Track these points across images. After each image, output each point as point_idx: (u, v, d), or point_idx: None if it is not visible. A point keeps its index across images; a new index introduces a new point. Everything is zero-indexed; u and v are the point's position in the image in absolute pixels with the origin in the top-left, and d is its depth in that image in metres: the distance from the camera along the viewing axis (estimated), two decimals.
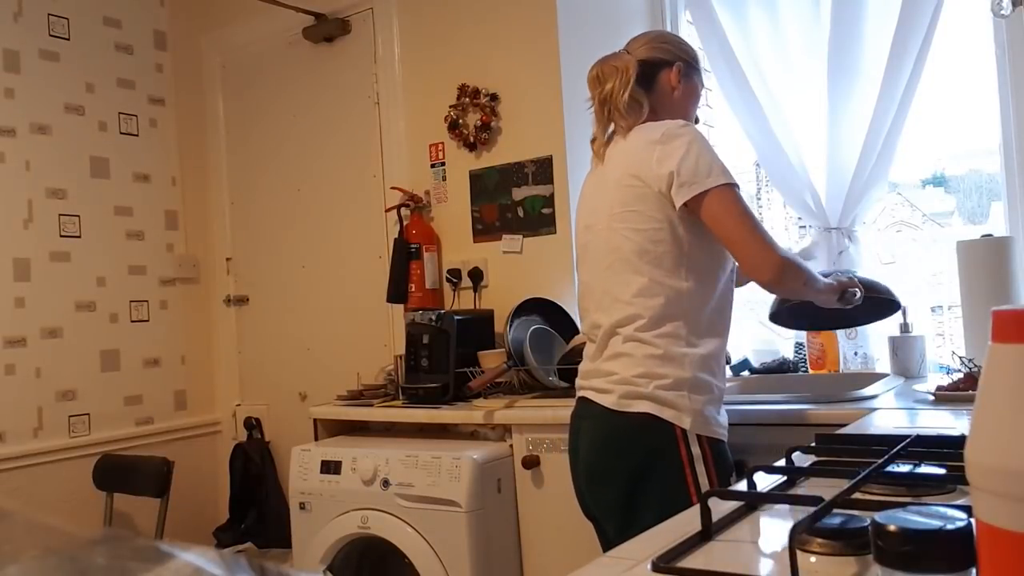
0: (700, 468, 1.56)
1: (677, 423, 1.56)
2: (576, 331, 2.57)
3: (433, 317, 2.61)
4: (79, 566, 0.37)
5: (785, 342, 2.64)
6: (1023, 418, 0.51)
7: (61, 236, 3.17)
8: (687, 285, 1.61)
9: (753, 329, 2.71)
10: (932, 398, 1.84)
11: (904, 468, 1.02)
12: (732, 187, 1.59)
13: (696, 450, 1.57)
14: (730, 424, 1.70)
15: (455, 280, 2.95)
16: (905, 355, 2.30)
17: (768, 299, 2.10)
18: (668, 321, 1.60)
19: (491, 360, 2.52)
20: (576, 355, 2.35)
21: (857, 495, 0.90)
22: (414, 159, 3.08)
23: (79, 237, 3.22)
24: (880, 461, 0.99)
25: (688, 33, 2.86)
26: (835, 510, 0.82)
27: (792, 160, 2.58)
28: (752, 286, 1.76)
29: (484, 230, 2.91)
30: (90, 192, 3.27)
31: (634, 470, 1.59)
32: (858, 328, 2.45)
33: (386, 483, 2.29)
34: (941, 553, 0.60)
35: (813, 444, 1.25)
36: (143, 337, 3.40)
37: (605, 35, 2.66)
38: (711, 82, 2.71)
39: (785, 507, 0.98)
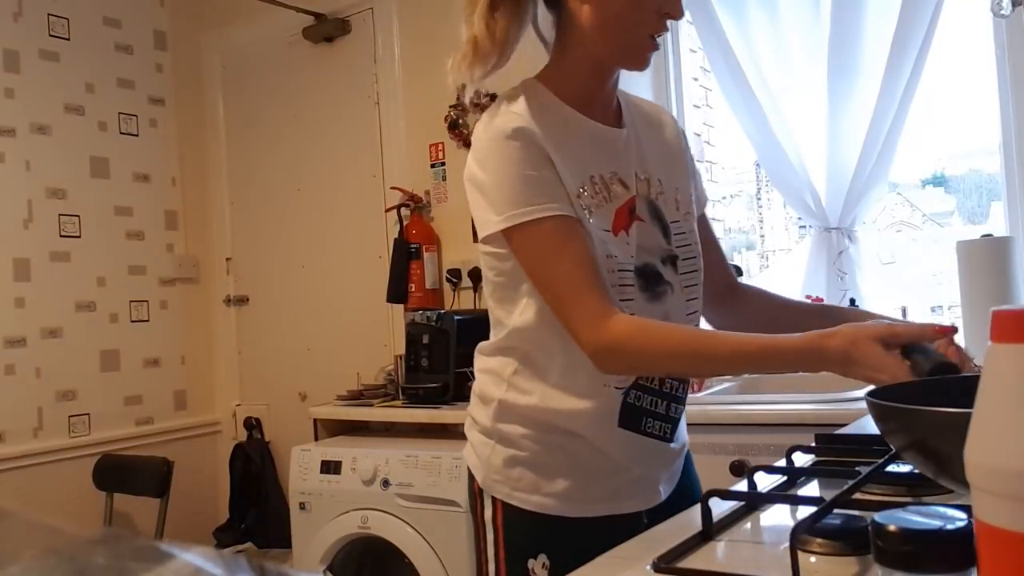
0: (491, 535, 1.25)
1: (476, 475, 1.28)
2: None
3: (433, 317, 2.61)
4: (78, 566, 0.37)
5: None
6: (1023, 418, 0.51)
7: (61, 236, 3.17)
8: (524, 319, 1.20)
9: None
10: None
11: (904, 468, 1.02)
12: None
13: (488, 512, 1.26)
14: (730, 424, 1.69)
15: (455, 280, 2.95)
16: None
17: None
18: (499, 354, 1.26)
19: None
20: None
21: (857, 495, 0.90)
22: (414, 159, 3.08)
23: (79, 237, 3.22)
24: (881, 461, 0.99)
25: (688, 33, 2.87)
26: (835, 510, 0.82)
27: (792, 160, 2.58)
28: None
29: None
30: (90, 192, 3.27)
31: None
32: None
33: (386, 483, 2.29)
34: (941, 553, 0.60)
35: (813, 444, 1.25)
36: (143, 337, 3.40)
37: None
38: (711, 82, 2.71)
39: (785, 507, 0.97)
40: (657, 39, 1.18)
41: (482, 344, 1.31)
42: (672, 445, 1.29)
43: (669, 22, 1.17)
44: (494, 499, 1.25)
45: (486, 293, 1.28)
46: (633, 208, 1.21)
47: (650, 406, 1.24)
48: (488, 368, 1.28)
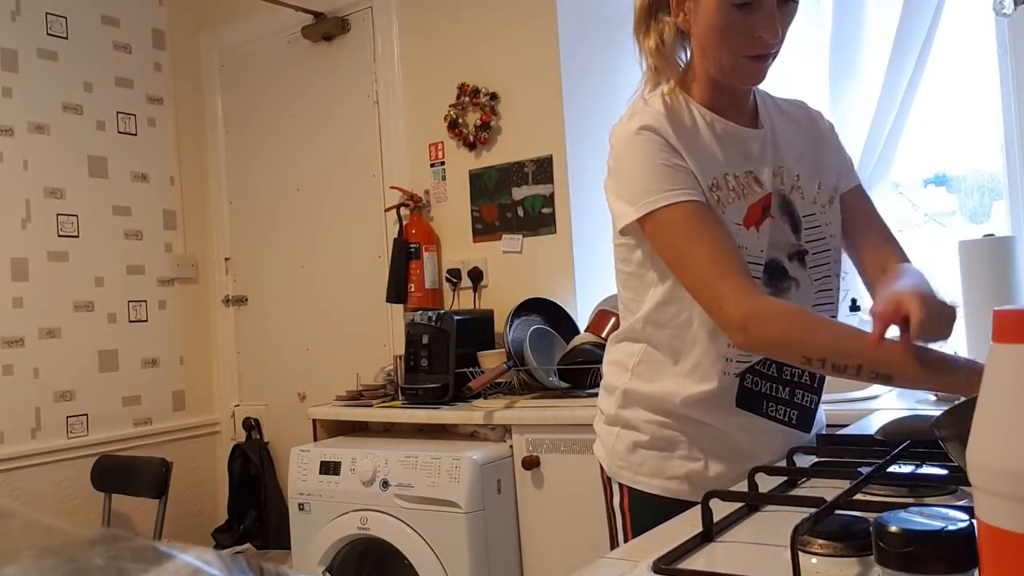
0: (619, 521, 1.30)
1: (603, 463, 1.34)
2: (576, 331, 2.56)
3: (433, 317, 2.61)
4: (76, 566, 0.37)
5: None
6: (1023, 418, 0.51)
7: (59, 236, 3.16)
8: (650, 307, 1.26)
9: None
10: (934, 398, 1.84)
11: (906, 469, 1.02)
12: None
13: (616, 499, 1.31)
14: None
15: (455, 280, 2.95)
16: None
17: None
18: (626, 341, 1.31)
19: (491, 360, 2.52)
20: (576, 355, 2.35)
21: (859, 496, 0.89)
22: (413, 158, 3.08)
23: (77, 237, 3.22)
24: (882, 462, 0.99)
25: None
26: (837, 511, 0.82)
27: None
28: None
29: (484, 230, 2.91)
30: (88, 192, 3.26)
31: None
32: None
33: (385, 484, 2.29)
34: (943, 554, 0.60)
35: (814, 445, 1.25)
36: (141, 337, 3.39)
37: (605, 34, 2.66)
38: None
39: (787, 508, 0.97)
40: (761, 57, 1.21)
41: (611, 336, 1.36)
42: (806, 434, 1.29)
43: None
44: (620, 485, 1.29)
45: (617, 284, 1.33)
46: (768, 205, 1.24)
47: (770, 391, 1.25)
48: (614, 360, 1.33)
